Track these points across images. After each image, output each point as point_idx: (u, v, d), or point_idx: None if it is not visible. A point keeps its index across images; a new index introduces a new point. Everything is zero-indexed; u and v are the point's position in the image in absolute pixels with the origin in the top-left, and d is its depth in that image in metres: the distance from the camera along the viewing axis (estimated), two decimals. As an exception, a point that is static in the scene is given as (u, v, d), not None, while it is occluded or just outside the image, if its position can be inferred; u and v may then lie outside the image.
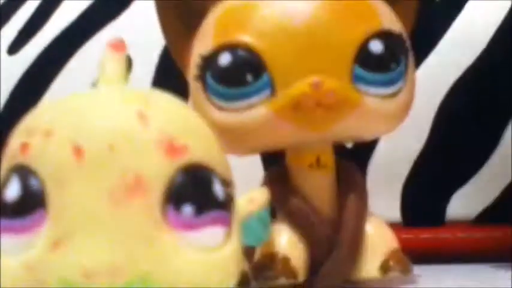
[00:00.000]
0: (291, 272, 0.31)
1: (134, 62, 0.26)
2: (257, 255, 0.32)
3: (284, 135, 0.31)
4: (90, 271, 0.21)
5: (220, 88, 0.31)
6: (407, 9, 0.33)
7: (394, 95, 0.31)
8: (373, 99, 0.31)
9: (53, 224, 0.21)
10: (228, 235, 0.23)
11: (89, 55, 0.44)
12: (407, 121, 0.33)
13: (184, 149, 0.22)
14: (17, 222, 0.22)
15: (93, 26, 0.45)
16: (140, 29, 0.43)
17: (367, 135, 0.34)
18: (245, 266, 0.28)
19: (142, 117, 0.22)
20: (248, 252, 0.30)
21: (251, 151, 0.34)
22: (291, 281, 0.31)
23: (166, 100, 0.24)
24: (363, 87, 0.31)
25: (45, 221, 0.21)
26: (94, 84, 0.25)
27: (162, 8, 0.33)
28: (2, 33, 0.46)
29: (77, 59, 0.45)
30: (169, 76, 0.36)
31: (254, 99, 0.30)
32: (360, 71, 0.31)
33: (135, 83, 0.25)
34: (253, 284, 0.31)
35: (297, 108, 0.30)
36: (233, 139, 0.31)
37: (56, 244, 0.21)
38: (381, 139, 0.41)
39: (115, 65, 0.25)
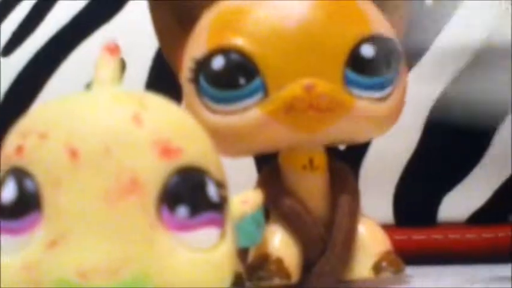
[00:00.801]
0: (284, 273, 0.31)
1: (127, 65, 0.26)
2: (251, 256, 0.32)
3: (277, 137, 0.31)
4: (86, 270, 0.21)
5: (214, 91, 0.31)
6: (395, 13, 0.34)
7: (385, 98, 0.32)
8: (365, 102, 0.31)
9: (49, 225, 0.21)
10: (222, 236, 0.23)
11: (82, 57, 0.44)
12: (400, 122, 0.33)
13: (178, 151, 0.22)
14: (13, 224, 0.22)
15: (87, 28, 0.45)
16: (133, 31, 0.43)
17: (358, 138, 0.34)
18: (239, 267, 0.28)
19: (136, 119, 0.22)
20: (242, 253, 0.30)
21: (245, 153, 0.34)
22: (285, 282, 0.31)
23: (161, 102, 0.24)
24: (355, 91, 0.31)
25: (41, 222, 0.21)
26: (88, 87, 0.25)
27: (155, 9, 0.33)
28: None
29: (70, 61, 0.45)
30: (162, 78, 0.36)
31: (247, 102, 0.31)
32: (352, 75, 0.31)
33: (129, 85, 0.25)
34: (247, 284, 0.31)
35: (290, 110, 0.30)
36: (227, 141, 0.31)
37: (52, 244, 0.21)
38: (373, 140, 0.41)
39: (109, 67, 0.25)
